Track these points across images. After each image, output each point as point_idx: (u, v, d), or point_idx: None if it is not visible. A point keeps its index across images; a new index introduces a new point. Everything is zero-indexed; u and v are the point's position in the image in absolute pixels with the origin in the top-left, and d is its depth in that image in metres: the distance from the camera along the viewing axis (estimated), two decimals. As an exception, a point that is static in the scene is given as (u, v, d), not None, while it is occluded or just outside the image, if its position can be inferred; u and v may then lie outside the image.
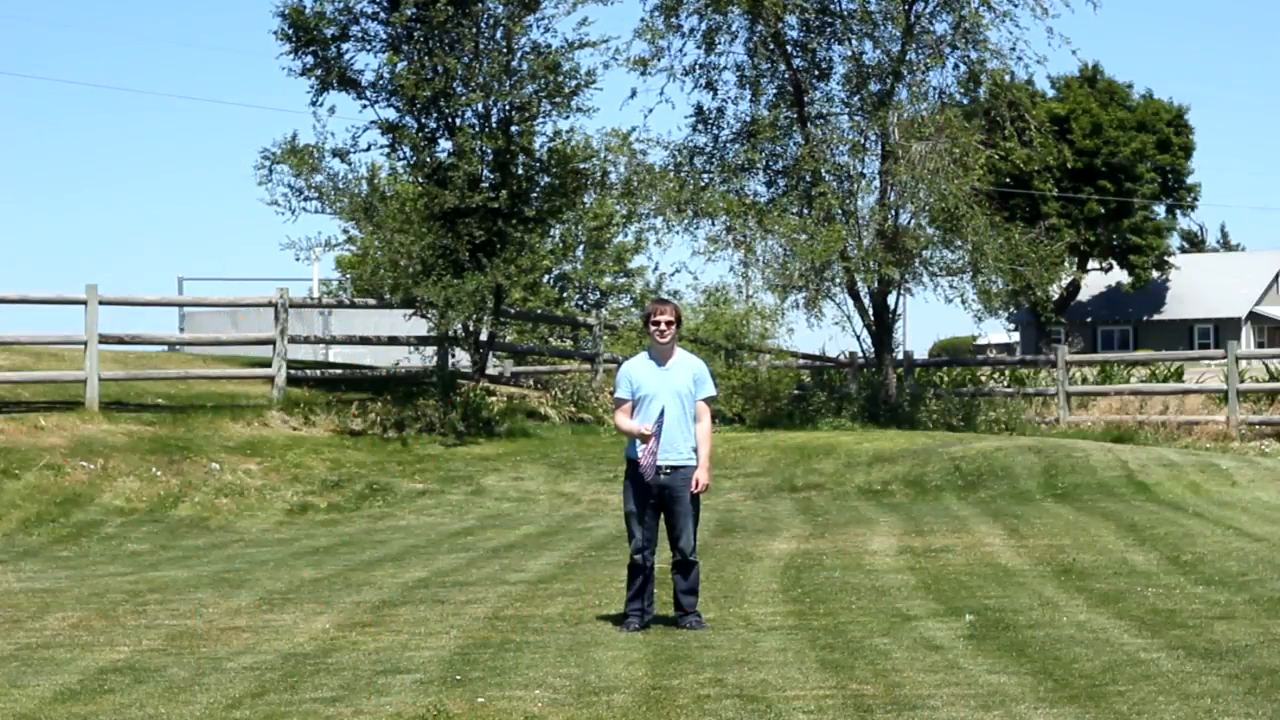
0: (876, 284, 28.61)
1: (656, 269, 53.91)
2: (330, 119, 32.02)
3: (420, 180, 25.46)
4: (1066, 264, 52.30)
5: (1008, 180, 35.90)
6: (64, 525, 18.24)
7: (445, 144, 25.55)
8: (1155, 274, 66.24)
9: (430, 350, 26.72)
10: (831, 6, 28.55)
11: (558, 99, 25.49)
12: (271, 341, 24.14)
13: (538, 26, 25.60)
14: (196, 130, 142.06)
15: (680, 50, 28.89)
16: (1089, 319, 71.45)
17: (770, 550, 15.23)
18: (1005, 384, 31.85)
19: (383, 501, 20.39)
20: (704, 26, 28.52)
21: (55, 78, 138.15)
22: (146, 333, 25.27)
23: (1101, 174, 61.47)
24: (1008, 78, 29.03)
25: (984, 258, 27.85)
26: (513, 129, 25.63)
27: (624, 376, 11.12)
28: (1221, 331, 69.95)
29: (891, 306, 29.26)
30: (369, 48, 25.50)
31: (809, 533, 16.69)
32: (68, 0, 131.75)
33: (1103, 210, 61.48)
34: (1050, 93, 62.08)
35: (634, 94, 29.28)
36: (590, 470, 22.11)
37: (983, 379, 32.51)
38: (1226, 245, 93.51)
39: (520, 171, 25.85)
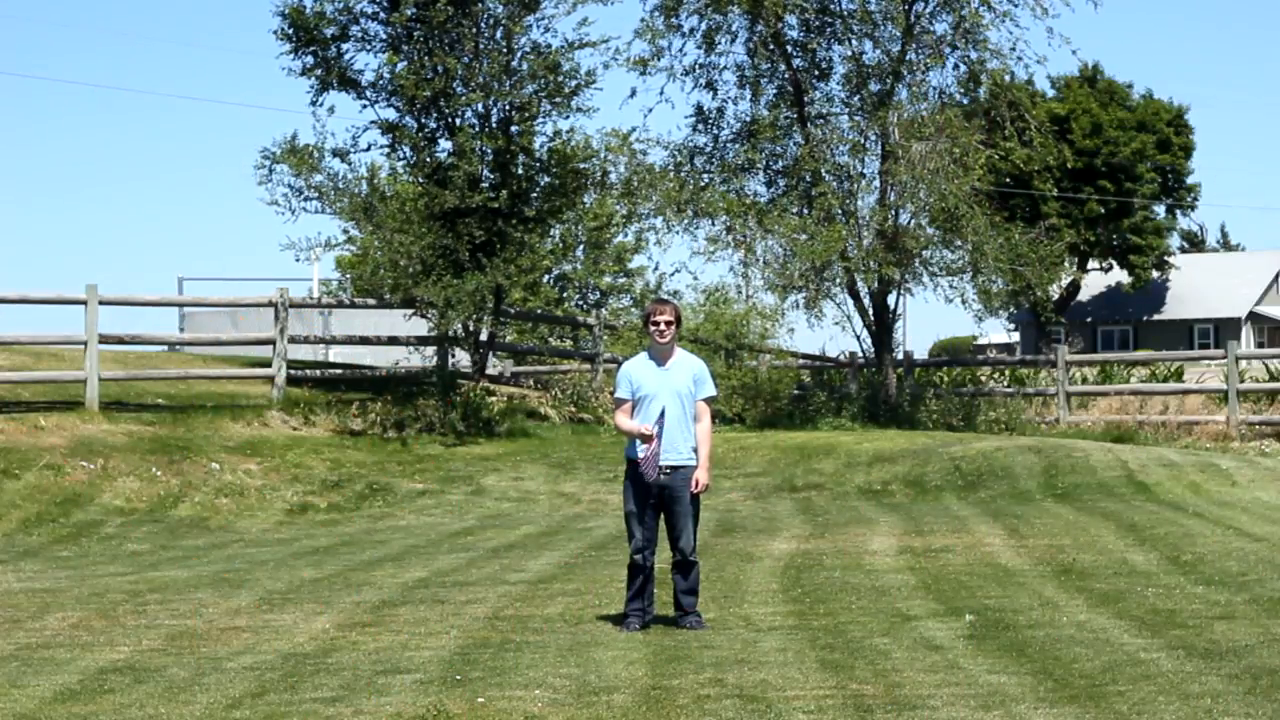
0: (876, 284, 28.61)
1: (656, 269, 54.00)
2: (330, 119, 32.06)
3: (420, 180, 25.47)
4: (1066, 264, 52.31)
5: (1008, 180, 35.91)
6: (64, 525, 18.24)
7: (445, 144, 25.56)
8: (1155, 274, 66.24)
9: (430, 350, 26.72)
10: (831, 6, 28.55)
11: (558, 99, 25.49)
12: (271, 341, 24.14)
13: (538, 26, 25.64)
14: (196, 130, 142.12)
15: (680, 50, 28.93)
16: (1089, 319, 71.46)
17: (770, 550, 15.23)
18: (1005, 384, 31.85)
19: (383, 501, 20.39)
20: (704, 26, 28.55)
21: (55, 78, 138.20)
22: (146, 333, 25.27)
23: (1101, 174, 61.47)
24: (1008, 78, 29.03)
25: (984, 258, 27.86)
26: (513, 129, 25.64)
27: (624, 376, 11.12)
28: (1221, 331, 69.94)
29: (891, 306, 29.27)
30: (369, 48, 25.51)
31: (809, 533, 16.69)
32: (68, 0, 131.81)
33: (1103, 210, 61.49)
34: (1050, 93, 62.08)
35: (634, 94, 29.35)
36: (590, 470, 22.11)
37: (983, 379, 32.51)
38: (1226, 245, 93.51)
39: (520, 171, 25.85)
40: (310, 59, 25.07)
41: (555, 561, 14.79)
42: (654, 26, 28.18)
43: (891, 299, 29.23)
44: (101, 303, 22.28)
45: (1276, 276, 76.00)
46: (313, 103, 25.34)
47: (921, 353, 50.27)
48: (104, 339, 22.40)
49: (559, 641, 10.44)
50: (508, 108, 25.47)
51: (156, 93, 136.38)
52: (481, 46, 25.21)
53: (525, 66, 25.30)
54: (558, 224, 31.39)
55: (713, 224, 28.60)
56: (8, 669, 9.81)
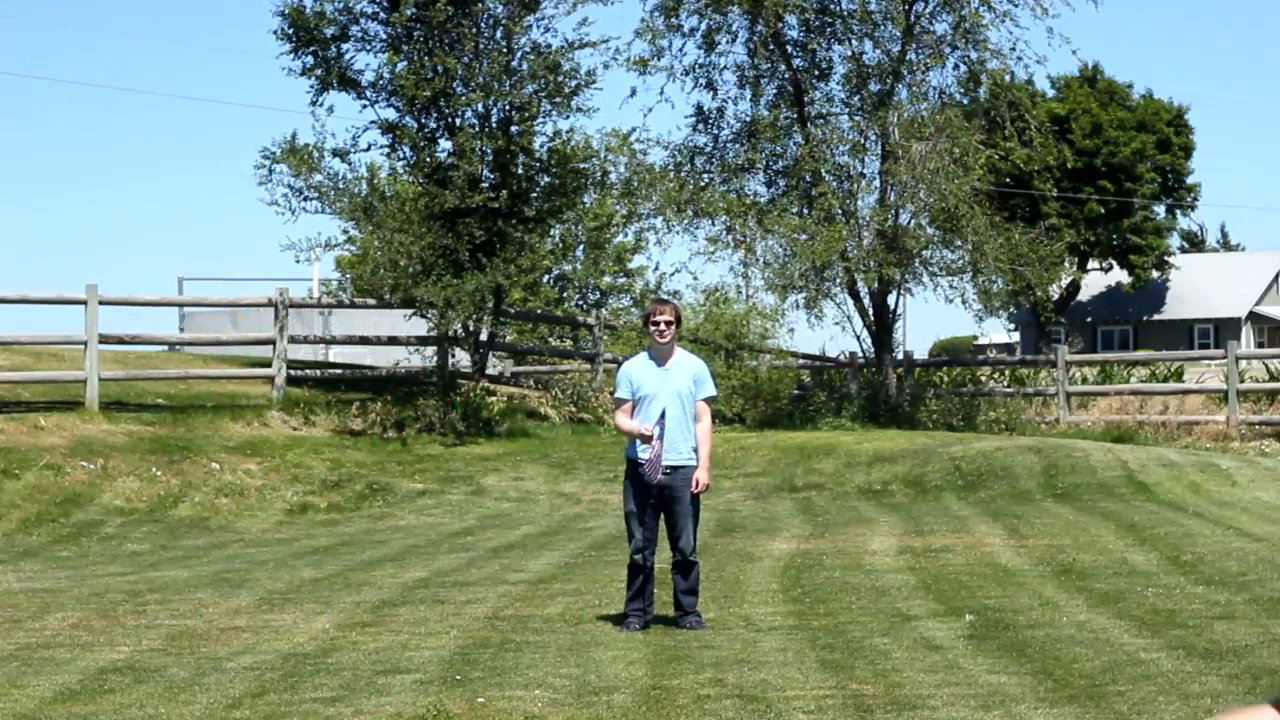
0: (876, 284, 28.61)
1: (656, 269, 54.00)
2: (330, 119, 32.06)
3: (420, 180, 25.47)
4: (1066, 264, 52.31)
5: (1008, 180, 35.92)
6: (64, 525, 18.24)
7: (445, 144, 25.56)
8: (1155, 274, 66.24)
9: (430, 350, 26.72)
10: (831, 6, 28.55)
11: (558, 99, 25.49)
12: (271, 341, 24.14)
13: (538, 26, 25.64)
14: (196, 130, 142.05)
15: (680, 50, 28.94)
16: (1089, 319, 71.45)
17: (770, 550, 15.23)
18: (1005, 384, 31.85)
19: (383, 501, 20.39)
20: (704, 26, 28.56)
21: (55, 78, 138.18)
22: (146, 333, 25.28)
23: (1101, 174, 61.47)
24: (1008, 78, 29.04)
25: (984, 258, 27.86)
26: (513, 129, 25.64)
27: (624, 376, 11.11)
28: (1221, 331, 69.93)
29: (891, 306, 29.27)
30: (369, 48, 25.51)
31: (809, 533, 16.69)
32: (68, 0, 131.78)
33: (1103, 210, 61.48)
34: (1050, 93, 62.07)
35: (634, 93, 29.48)
36: (590, 470, 22.11)
37: (983, 379, 32.51)
38: (1226, 245, 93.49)
39: (520, 171, 25.86)
40: (310, 59, 25.08)
41: (555, 561, 14.79)
42: (654, 26, 28.20)
43: (891, 299, 29.24)
44: (101, 303, 22.28)
45: (1276, 276, 75.99)
46: (313, 103, 25.36)
47: (921, 353, 50.28)
48: (104, 339, 22.40)
49: (559, 641, 10.44)
50: (508, 108, 25.47)
51: (156, 93, 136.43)
52: (481, 46, 25.21)
53: (525, 66, 25.31)
54: (558, 224, 31.39)
55: (713, 224, 28.62)
56: (8, 669, 9.81)
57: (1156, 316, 72.10)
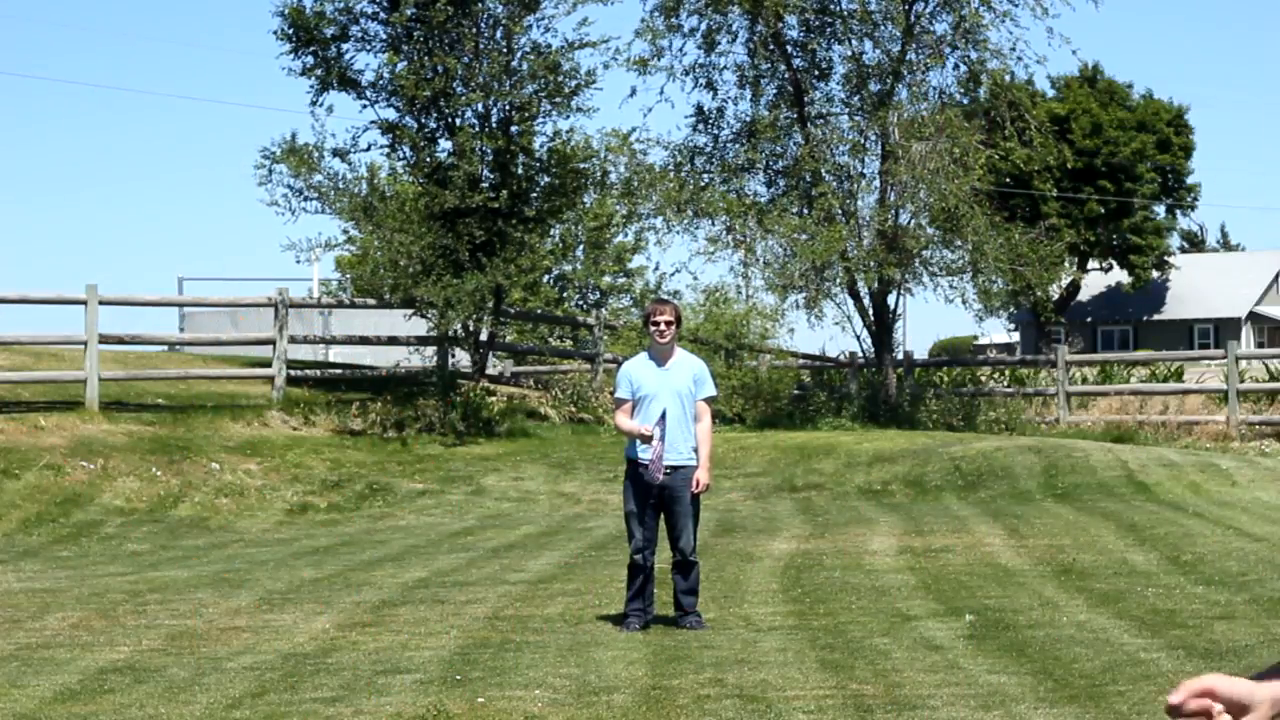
0: (876, 284, 28.61)
1: (656, 269, 54.05)
2: (330, 119, 32.07)
3: (420, 180, 25.47)
4: (1066, 264, 52.28)
5: (1008, 180, 35.90)
6: (64, 525, 18.24)
7: (445, 144, 25.56)
8: (1155, 274, 66.23)
9: (430, 350, 26.72)
10: (831, 6, 28.55)
11: (558, 99, 25.49)
12: (271, 341, 24.14)
13: (538, 26, 25.63)
14: (196, 130, 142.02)
15: (680, 50, 28.94)
16: (1089, 319, 71.44)
17: (770, 550, 15.23)
18: (1005, 384, 31.85)
19: (383, 501, 20.39)
20: (704, 26, 28.55)
21: (55, 78, 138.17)
22: (146, 333, 25.27)
23: (1101, 174, 61.46)
24: (1008, 78, 29.04)
25: (984, 258, 27.86)
26: (513, 129, 25.63)
27: (624, 376, 11.12)
28: (1221, 331, 69.91)
29: (891, 306, 29.27)
30: (369, 48, 25.51)
31: (809, 533, 16.69)
32: (68, 0, 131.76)
33: (1103, 210, 61.48)
34: (1050, 93, 62.05)
35: (634, 93, 29.52)
36: (590, 470, 22.11)
37: (983, 379, 32.51)
38: (1226, 245, 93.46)
39: (520, 171, 25.85)
40: (310, 59, 25.07)
41: (555, 561, 14.79)
42: (654, 26, 28.21)
43: (891, 299, 29.24)
44: (101, 303, 22.27)
45: (1276, 276, 75.97)
46: (313, 103, 25.36)
47: (921, 353, 50.27)
48: (104, 339, 22.39)
49: (559, 641, 10.44)
50: (508, 108, 25.46)
51: (156, 93, 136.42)
52: (481, 46, 25.21)
53: (525, 66, 25.30)
54: (558, 224, 31.40)
55: (713, 224, 28.62)
56: (8, 669, 9.81)
57: (1156, 316, 72.10)
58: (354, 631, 11.02)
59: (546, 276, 47.17)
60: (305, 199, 25.07)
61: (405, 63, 24.97)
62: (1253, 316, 73.21)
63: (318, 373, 25.88)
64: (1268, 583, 12.30)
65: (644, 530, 10.94)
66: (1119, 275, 67.17)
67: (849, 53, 28.92)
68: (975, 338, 68.42)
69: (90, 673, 9.62)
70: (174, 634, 11.06)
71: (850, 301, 29.10)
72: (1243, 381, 29.50)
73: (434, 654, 10.05)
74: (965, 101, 29.15)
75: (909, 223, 28.56)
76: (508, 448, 23.49)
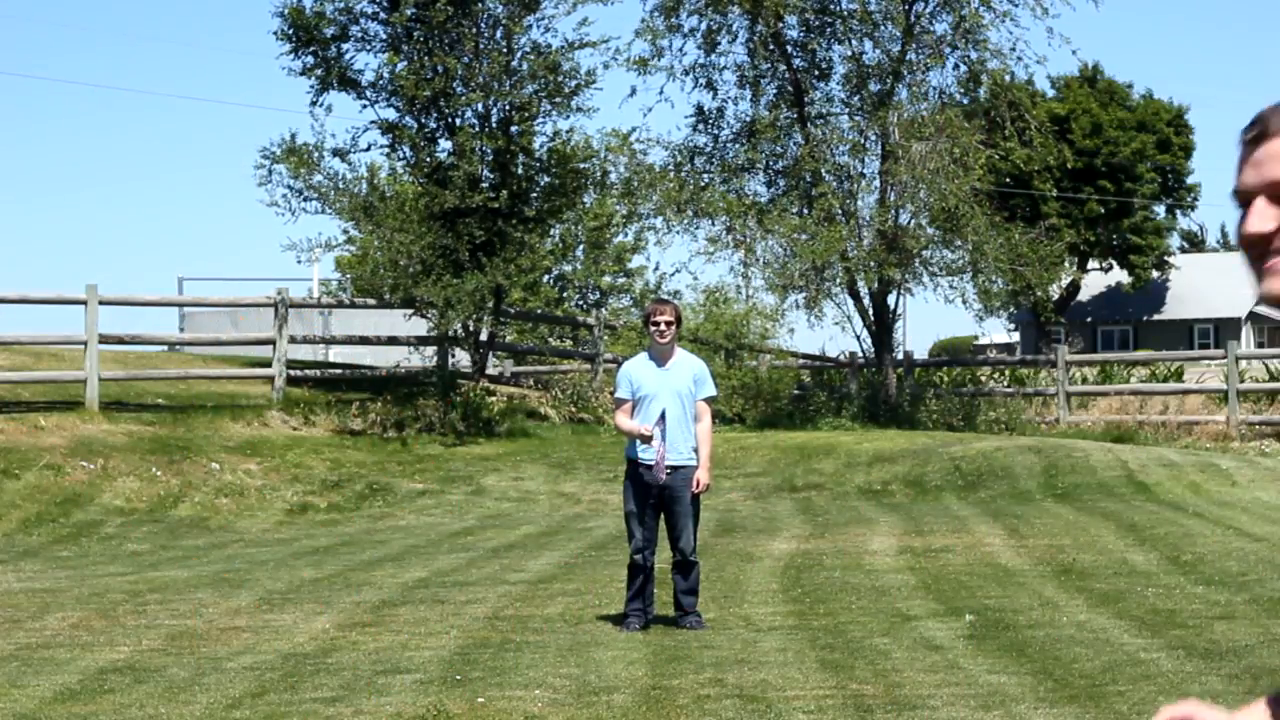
0: (876, 284, 28.61)
1: (656, 269, 54.08)
2: (330, 119, 32.09)
3: (420, 180, 25.47)
4: (1066, 264, 52.26)
5: (1008, 180, 35.91)
6: (64, 525, 18.24)
7: (445, 144, 25.56)
8: (1155, 274, 66.21)
9: (430, 350, 26.71)
10: (831, 6, 28.55)
11: (558, 99, 25.49)
12: (271, 341, 24.13)
13: (538, 26, 25.63)
14: (196, 130, 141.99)
15: (680, 50, 28.96)
16: (1089, 319, 71.43)
17: (770, 550, 15.23)
18: (1005, 384, 31.85)
19: (383, 501, 20.39)
20: (704, 26, 28.55)
21: (55, 78, 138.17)
22: (146, 333, 25.26)
23: (1101, 174, 61.45)
24: (1008, 78, 29.04)
25: (984, 258, 27.86)
26: (513, 129, 25.63)
27: (624, 376, 11.12)
28: (1221, 331, 69.90)
29: (891, 306, 29.26)
30: (369, 48, 25.51)
31: (809, 533, 16.69)
32: (68, 0, 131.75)
33: (1103, 210, 61.47)
34: (1050, 93, 62.04)
35: (634, 93, 29.54)
36: (590, 470, 22.11)
37: (983, 379, 32.51)
38: (1226, 245, 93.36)
39: (520, 171, 25.85)
40: (310, 59, 25.07)
41: (555, 561, 14.79)
42: (654, 26, 28.21)
43: (891, 299, 29.23)
44: (101, 303, 22.27)
45: (1277, 276, 75.84)
46: (313, 103, 25.36)
47: (921, 353, 50.27)
48: (104, 339, 22.39)
49: (559, 641, 10.44)
50: (508, 108, 25.46)
51: (156, 93, 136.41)
52: (481, 46, 25.21)
53: (525, 66, 25.30)
54: (558, 224, 31.40)
55: (713, 224, 28.61)
56: (8, 669, 9.81)
57: (1156, 316, 72.09)
58: (354, 631, 11.02)
59: (546, 276, 47.20)
60: (305, 199, 25.07)
61: (405, 63, 24.97)
62: (1253, 316, 73.21)
63: (318, 373, 25.88)
64: (1268, 583, 12.30)
65: (644, 530, 10.94)
66: (1119, 275, 67.16)
67: (849, 53, 28.94)
68: (975, 338, 68.43)
69: (90, 673, 9.62)
70: (174, 634, 11.06)
71: (850, 301, 29.11)
72: (1243, 381, 29.50)
73: (434, 654, 10.05)
74: (965, 101, 29.15)
75: (909, 223, 28.56)
76: (508, 448, 23.49)
